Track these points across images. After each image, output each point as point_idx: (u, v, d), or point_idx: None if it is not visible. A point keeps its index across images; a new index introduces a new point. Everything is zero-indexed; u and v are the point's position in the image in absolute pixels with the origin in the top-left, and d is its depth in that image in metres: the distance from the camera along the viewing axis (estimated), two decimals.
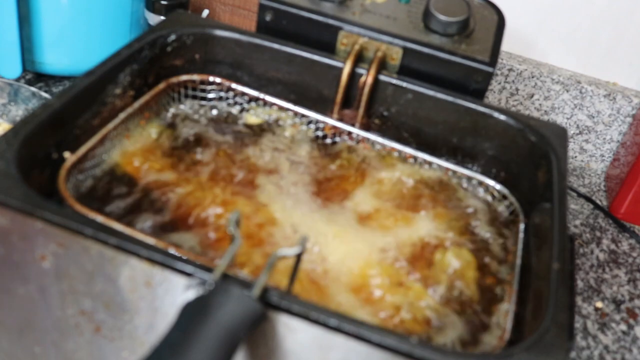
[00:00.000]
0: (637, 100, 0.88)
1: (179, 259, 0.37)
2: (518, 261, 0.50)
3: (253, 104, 0.61)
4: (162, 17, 0.85)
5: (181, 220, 0.48)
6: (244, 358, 0.37)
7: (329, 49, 0.63)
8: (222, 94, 0.61)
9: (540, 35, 0.92)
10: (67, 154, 0.47)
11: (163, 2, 0.84)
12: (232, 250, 0.37)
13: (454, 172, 0.58)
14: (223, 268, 0.36)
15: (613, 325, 0.67)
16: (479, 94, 0.63)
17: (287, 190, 0.53)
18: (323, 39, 0.63)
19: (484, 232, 0.54)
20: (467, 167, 0.59)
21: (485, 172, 0.59)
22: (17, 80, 0.76)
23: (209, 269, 0.37)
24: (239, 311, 0.33)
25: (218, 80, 0.60)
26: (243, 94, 0.61)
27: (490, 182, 0.57)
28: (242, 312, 0.33)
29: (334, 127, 0.60)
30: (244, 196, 0.51)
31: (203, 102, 0.61)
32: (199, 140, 0.56)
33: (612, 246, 0.79)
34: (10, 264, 0.41)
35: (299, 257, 0.38)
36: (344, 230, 0.50)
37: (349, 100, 0.61)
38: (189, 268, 0.37)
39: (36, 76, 0.83)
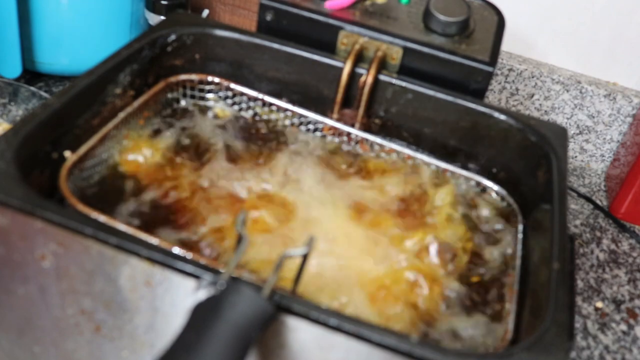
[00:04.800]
0: (637, 100, 0.88)
1: (180, 258, 0.37)
2: (518, 262, 0.50)
3: (252, 104, 0.61)
4: (162, 17, 0.85)
5: (181, 219, 0.48)
6: None
7: (329, 48, 0.63)
8: (221, 93, 0.61)
9: (540, 35, 0.92)
10: (67, 153, 0.47)
11: (163, 2, 0.84)
12: (240, 250, 0.37)
13: (453, 172, 0.58)
14: (233, 268, 0.36)
15: (613, 325, 0.67)
16: (479, 94, 0.63)
17: (292, 190, 0.53)
18: (323, 38, 0.63)
19: (483, 232, 0.54)
20: (466, 167, 0.59)
21: (485, 172, 0.59)
22: (17, 80, 0.76)
23: (209, 269, 0.37)
24: (250, 311, 0.34)
25: (217, 80, 0.60)
26: (242, 93, 0.61)
27: (489, 183, 0.57)
28: (254, 312, 0.34)
29: (333, 128, 0.60)
30: (247, 197, 0.51)
31: (202, 102, 0.61)
32: (199, 140, 0.56)
33: (612, 246, 0.79)
34: (10, 263, 0.41)
35: (305, 257, 0.38)
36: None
37: (349, 100, 0.61)
38: (189, 267, 0.37)
39: (36, 76, 0.83)
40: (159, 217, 0.48)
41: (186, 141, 0.56)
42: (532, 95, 0.92)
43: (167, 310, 0.39)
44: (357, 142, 0.60)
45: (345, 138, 0.60)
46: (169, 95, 0.59)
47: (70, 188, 0.45)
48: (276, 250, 0.47)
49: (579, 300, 0.69)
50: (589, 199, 0.86)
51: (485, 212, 0.56)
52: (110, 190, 0.49)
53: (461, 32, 0.65)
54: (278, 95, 0.61)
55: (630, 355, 0.64)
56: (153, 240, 0.40)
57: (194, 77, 0.60)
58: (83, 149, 0.48)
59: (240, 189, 0.52)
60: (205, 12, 0.94)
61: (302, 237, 0.48)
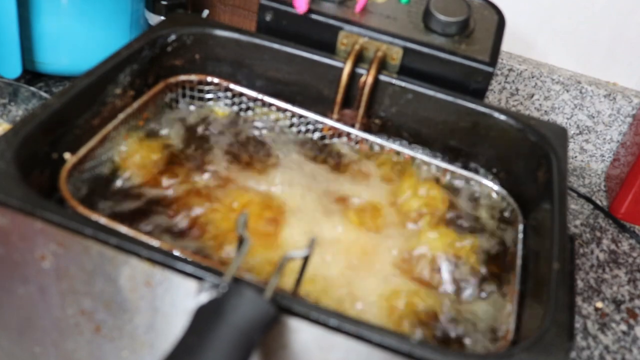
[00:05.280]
0: (637, 100, 0.88)
1: (180, 259, 0.37)
2: (518, 262, 0.50)
3: (252, 104, 0.61)
4: (162, 17, 0.85)
5: (180, 219, 0.48)
6: None
7: (329, 49, 0.63)
8: (220, 94, 0.61)
9: (540, 35, 0.92)
10: (67, 155, 0.47)
11: (163, 2, 0.84)
12: (242, 252, 0.37)
13: (453, 172, 0.58)
14: (235, 270, 0.36)
15: (613, 325, 0.67)
16: (479, 94, 0.63)
17: (291, 190, 0.53)
18: (323, 39, 0.63)
19: (483, 232, 0.54)
20: (466, 168, 0.59)
21: (485, 172, 0.59)
22: (17, 80, 0.76)
23: (209, 269, 0.37)
24: (253, 313, 0.33)
25: (216, 80, 0.60)
26: (242, 94, 0.61)
27: (489, 183, 0.57)
28: (256, 315, 0.34)
29: (333, 128, 0.60)
30: (247, 199, 0.51)
31: (201, 103, 0.61)
32: (199, 141, 0.56)
33: (612, 246, 0.79)
34: (10, 264, 0.41)
35: (306, 259, 0.38)
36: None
37: (349, 100, 0.61)
38: (189, 268, 0.37)
39: (36, 76, 0.83)
40: (157, 217, 0.48)
41: (186, 142, 0.56)
42: (532, 96, 0.92)
43: (167, 310, 0.38)
44: (357, 142, 0.60)
45: (345, 138, 0.60)
46: (169, 96, 0.59)
47: (70, 190, 0.45)
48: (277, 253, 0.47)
49: (579, 300, 0.69)
50: (589, 199, 0.86)
51: (485, 212, 0.56)
52: (109, 190, 0.49)
53: (461, 32, 0.65)
54: (278, 96, 0.60)
55: (630, 356, 0.64)
56: (153, 241, 0.40)
57: (194, 77, 0.60)
58: (83, 151, 0.48)
59: (241, 190, 0.52)
60: (205, 12, 0.94)
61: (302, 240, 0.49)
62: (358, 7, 0.65)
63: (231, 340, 0.32)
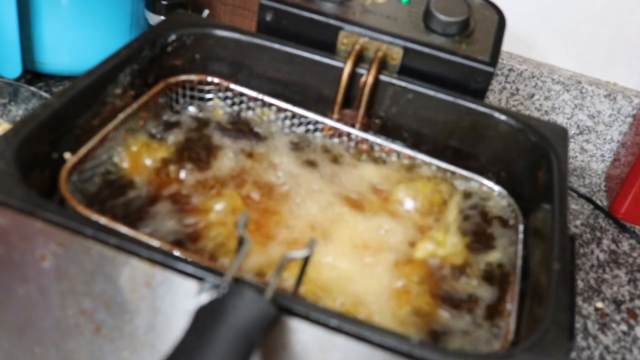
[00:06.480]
0: (637, 100, 0.88)
1: (181, 259, 0.37)
2: (519, 262, 0.50)
3: (252, 104, 0.61)
4: (162, 17, 0.85)
5: (181, 219, 0.48)
6: None
7: (329, 49, 0.63)
8: (220, 94, 0.61)
9: (540, 35, 0.92)
10: (67, 155, 0.47)
11: (163, 2, 0.84)
12: (242, 253, 0.37)
13: (453, 173, 0.58)
14: (235, 271, 0.36)
15: (613, 325, 0.67)
16: (479, 94, 0.63)
17: (293, 191, 0.53)
18: (323, 39, 0.63)
19: (484, 233, 0.54)
20: (467, 168, 0.59)
21: (485, 173, 0.59)
22: (17, 80, 0.76)
23: (210, 269, 0.36)
24: (253, 314, 0.33)
25: (216, 80, 0.60)
26: (241, 94, 0.61)
27: (489, 183, 0.57)
28: (256, 315, 0.34)
29: (333, 128, 0.60)
30: (247, 199, 0.51)
31: (201, 103, 0.61)
32: (198, 141, 0.56)
33: (613, 246, 0.79)
34: (10, 264, 0.41)
35: (306, 259, 0.38)
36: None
37: (349, 101, 0.61)
38: (189, 268, 0.37)
39: (36, 76, 0.83)
40: (157, 217, 0.48)
41: (185, 142, 0.56)
42: (533, 96, 0.92)
43: (167, 310, 0.38)
44: (357, 143, 0.60)
45: (345, 138, 0.60)
46: (169, 96, 0.59)
47: (70, 189, 0.45)
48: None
49: (579, 300, 0.69)
50: (589, 199, 0.86)
51: (485, 212, 0.56)
52: (110, 191, 0.49)
53: (461, 32, 0.65)
54: (278, 96, 0.60)
55: (630, 356, 0.64)
56: (153, 241, 0.40)
57: (194, 77, 0.60)
58: (83, 151, 0.48)
59: (241, 190, 0.52)
60: (206, 12, 0.94)
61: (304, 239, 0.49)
62: None
63: (231, 341, 0.32)
